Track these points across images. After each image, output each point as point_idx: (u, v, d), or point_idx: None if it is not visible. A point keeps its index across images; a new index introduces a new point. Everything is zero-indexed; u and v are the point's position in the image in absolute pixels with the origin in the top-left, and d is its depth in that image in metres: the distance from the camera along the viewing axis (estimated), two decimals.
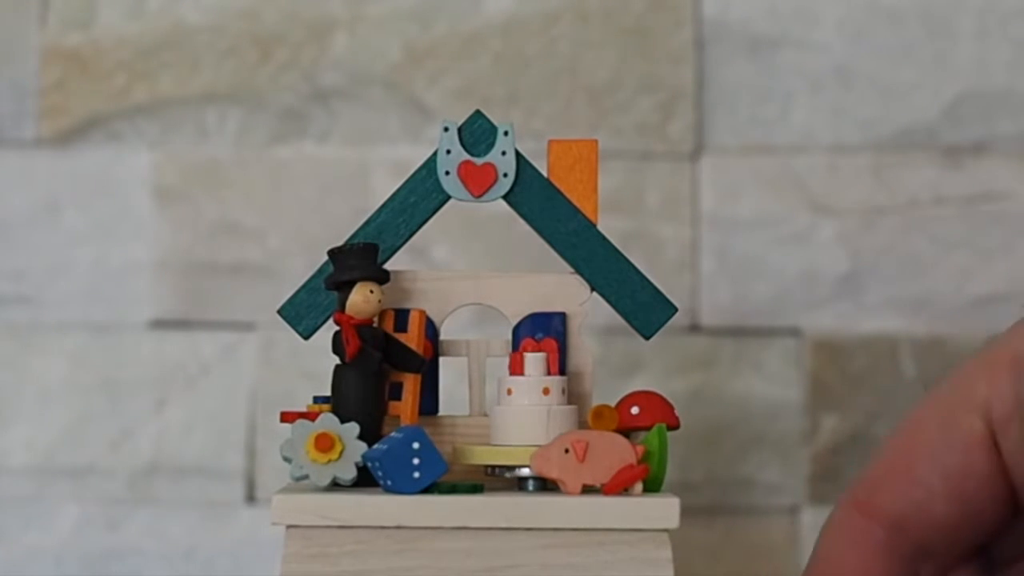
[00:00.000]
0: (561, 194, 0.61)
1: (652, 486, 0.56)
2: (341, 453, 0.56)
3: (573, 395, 0.60)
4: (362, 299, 0.58)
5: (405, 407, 0.59)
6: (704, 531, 0.82)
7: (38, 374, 0.83)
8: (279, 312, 0.61)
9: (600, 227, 0.61)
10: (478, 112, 0.61)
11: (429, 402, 0.60)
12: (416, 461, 0.55)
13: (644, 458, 0.56)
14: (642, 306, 0.61)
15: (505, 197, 0.61)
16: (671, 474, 0.58)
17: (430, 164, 0.61)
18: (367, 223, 0.61)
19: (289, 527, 0.54)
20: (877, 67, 0.83)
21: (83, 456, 0.83)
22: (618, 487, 0.55)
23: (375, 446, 0.56)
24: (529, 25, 0.84)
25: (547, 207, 0.61)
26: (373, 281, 0.58)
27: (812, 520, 0.81)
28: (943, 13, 0.83)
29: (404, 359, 0.59)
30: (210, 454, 0.83)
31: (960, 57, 0.83)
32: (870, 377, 0.82)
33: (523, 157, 0.61)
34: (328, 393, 0.59)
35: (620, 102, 0.83)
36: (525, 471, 0.57)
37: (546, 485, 0.57)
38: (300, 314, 0.61)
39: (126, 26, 0.84)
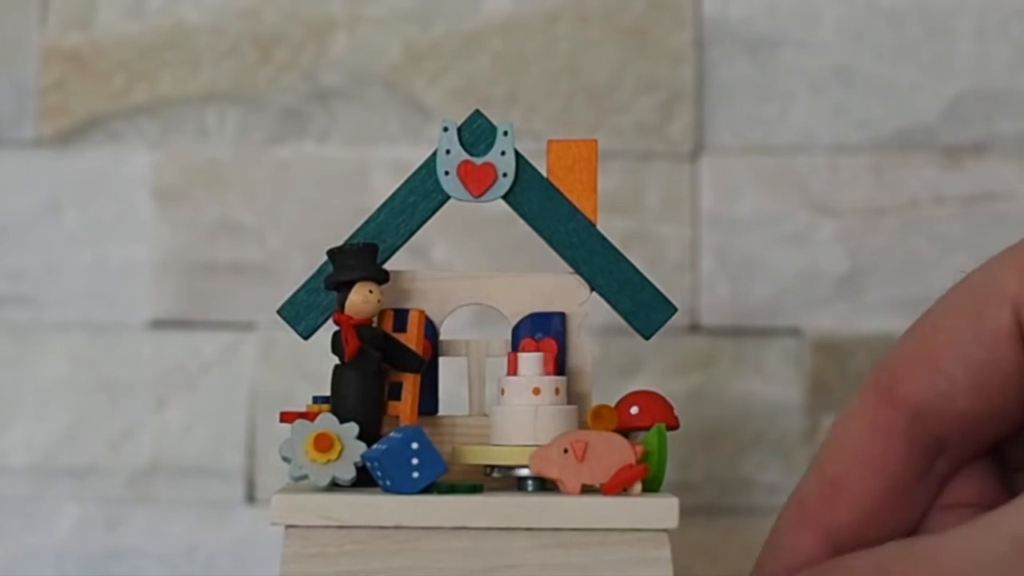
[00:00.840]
0: (561, 194, 0.61)
1: (651, 486, 0.56)
2: (340, 453, 0.56)
3: (573, 395, 0.60)
4: (361, 299, 0.58)
5: (404, 407, 0.59)
6: (704, 531, 0.82)
7: (38, 374, 0.83)
8: (279, 312, 0.61)
9: (600, 227, 0.61)
10: (478, 112, 0.61)
11: (429, 402, 0.60)
12: (415, 461, 0.55)
13: (643, 458, 0.56)
14: (642, 306, 0.61)
15: (505, 197, 0.61)
16: (671, 474, 0.58)
17: (430, 164, 0.61)
18: (367, 223, 0.61)
19: (288, 527, 0.54)
20: (877, 67, 0.83)
21: (83, 456, 0.83)
22: (617, 487, 0.55)
23: (374, 446, 0.56)
24: (529, 25, 0.84)
25: (547, 207, 0.61)
26: (372, 281, 0.58)
27: None
28: (943, 13, 0.83)
29: (403, 359, 0.59)
30: (210, 454, 0.83)
31: (960, 57, 0.83)
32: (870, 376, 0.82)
33: (523, 157, 0.61)
34: (327, 393, 0.59)
35: (620, 102, 0.83)
36: (524, 471, 0.57)
37: (545, 485, 0.57)
38: (300, 314, 0.61)
39: (126, 26, 0.84)
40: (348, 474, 0.56)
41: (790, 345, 0.83)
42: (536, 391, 0.58)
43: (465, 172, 0.60)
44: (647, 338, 0.61)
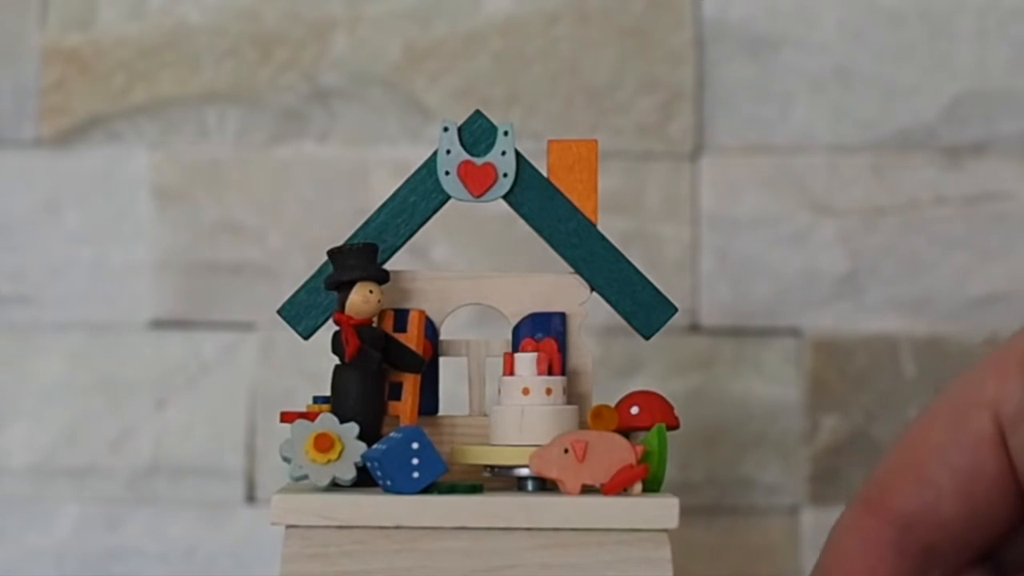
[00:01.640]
0: (561, 194, 0.61)
1: (651, 486, 0.56)
2: (340, 453, 0.56)
3: (573, 395, 0.60)
4: (361, 299, 0.58)
5: (405, 407, 0.59)
6: (704, 531, 0.82)
7: (38, 374, 0.83)
8: (279, 312, 0.61)
9: (600, 227, 0.61)
10: (478, 112, 0.61)
11: (429, 402, 0.60)
12: (415, 461, 0.55)
13: (643, 458, 0.56)
14: (642, 306, 0.61)
15: (505, 197, 0.61)
16: (671, 474, 0.58)
17: (430, 164, 0.61)
18: (367, 223, 0.61)
19: (288, 527, 0.54)
20: (877, 67, 0.83)
21: (83, 456, 0.83)
22: (617, 487, 0.55)
23: (374, 446, 0.56)
24: (529, 25, 0.84)
25: (547, 207, 0.61)
26: (373, 281, 0.58)
27: (812, 520, 0.82)
28: (943, 13, 0.83)
29: (403, 359, 0.59)
30: (210, 454, 0.83)
31: (960, 57, 0.83)
32: (870, 377, 0.82)
33: (523, 157, 0.61)
34: (328, 393, 0.59)
35: (620, 102, 0.83)
36: (524, 471, 0.57)
37: (545, 485, 0.57)
38: (300, 314, 0.61)
39: (126, 26, 0.84)
40: (348, 474, 0.56)
41: (790, 345, 0.83)
42: (526, 391, 0.58)
43: (465, 172, 0.60)
44: (647, 338, 0.61)
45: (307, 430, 0.56)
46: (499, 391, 0.58)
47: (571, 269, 0.61)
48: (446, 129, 0.61)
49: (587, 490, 0.56)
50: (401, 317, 0.60)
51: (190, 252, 0.83)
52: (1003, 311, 0.82)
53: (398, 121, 0.84)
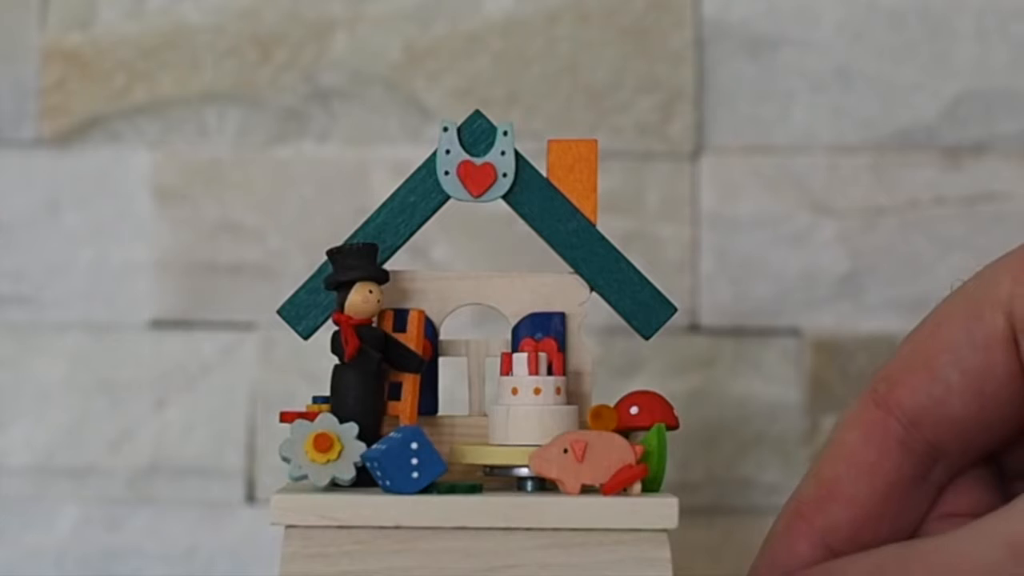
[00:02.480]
0: (561, 194, 0.61)
1: (651, 486, 0.56)
2: (340, 453, 0.56)
3: (573, 395, 0.60)
4: (361, 299, 0.58)
5: (404, 407, 0.59)
6: (704, 531, 0.82)
7: (38, 374, 0.83)
8: (279, 312, 0.61)
9: (600, 227, 0.61)
10: (478, 112, 0.61)
11: (428, 402, 0.60)
12: (415, 461, 0.55)
13: (643, 458, 0.56)
14: (642, 306, 0.61)
15: (505, 197, 0.61)
16: (671, 474, 0.58)
17: (430, 164, 0.61)
18: (367, 223, 0.61)
19: (288, 527, 0.54)
20: (877, 67, 0.83)
21: (83, 456, 0.83)
22: (617, 487, 0.55)
23: (374, 446, 0.56)
24: (529, 25, 0.84)
25: (547, 207, 0.61)
26: (372, 281, 0.58)
27: None
28: (943, 13, 0.83)
29: (403, 359, 0.59)
30: (210, 454, 0.83)
31: (960, 57, 0.83)
32: (870, 377, 0.82)
33: (523, 157, 0.61)
34: (327, 393, 0.59)
35: (620, 102, 0.83)
36: (524, 471, 0.57)
37: (545, 485, 0.57)
38: (300, 314, 0.61)
39: (126, 26, 0.84)
40: (348, 474, 0.56)
41: (790, 345, 0.83)
42: (515, 391, 0.58)
43: (465, 172, 0.60)
44: (647, 338, 0.61)
45: (307, 430, 0.56)
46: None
47: (571, 269, 0.61)
48: (446, 129, 0.61)
49: (587, 490, 0.56)
50: (401, 317, 0.60)
51: (190, 252, 0.83)
52: None
53: (398, 121, 0.84)
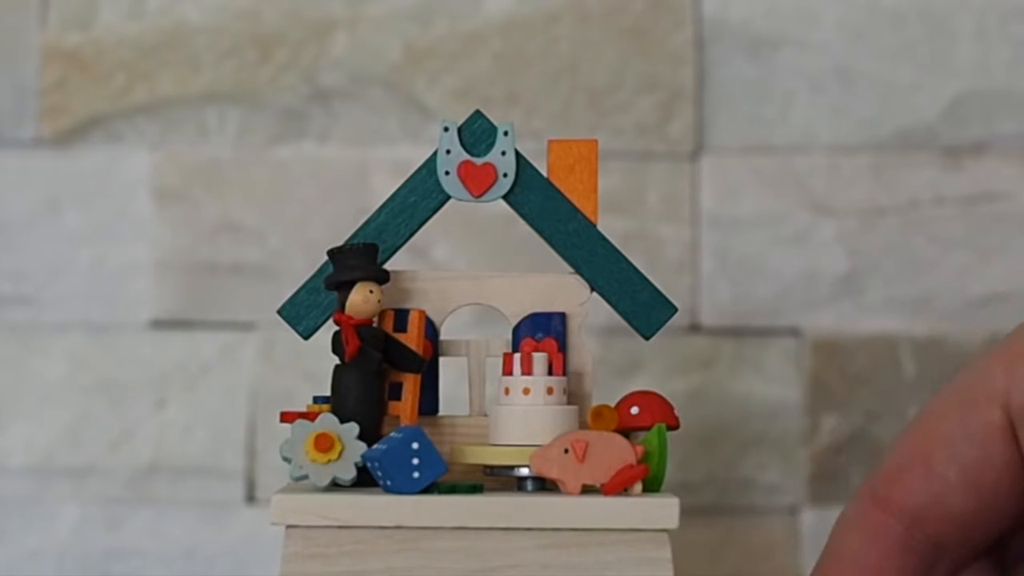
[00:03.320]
0: (561, 194, 0.61)
1: (652, 486, 0.56)
2: (340, 453, 0.56)
3: (573, 395, 0.60)
4: (362, 299, 0.58)
5: (405, 407, 0.59)
6: (704, 531, 0.82)
7: (38, 374, 0.83)
8: (279, 312, 0.61)
9: (600, 227, 0.61)
10: (478, 112, 0.61)
11: (429, 402, 0.60)
12: (415, 461, 0.55)
13: (644, 458, 0.56)
14: (642, 306, 0.61)
15: (505, 197, 0.61)
16: (671, 474, 0.58)
17: (430, 164, 0.61)
18: (367, 223, 0.61)
19: (288, 527, 0.54)
20: (877, 67, 0.83)
21: (83, 456, 0.83)
22: (618, 487, 0.55)
23: (374, 446, 0.56)
24: (529, 25, 0.84)
25: (547, 207, 0.61)
26: (373, 281, 0.58)
27: (812, 520, 0.82)
28: (943, 13, 0.83)
29: (404, 359, 0.59)
30: (210, 454, 0.83)
31: (960, 57, 0.83)
32: (870, 377, 0.82)
33: (523, 157, 0.61)
34: (328, 393, 0.59)
35: (620, 102, 0.83)
36: (524, 471, 0.57)
37: (545, 485, 0.57)
38: (300, 314, 0.61)
39: (126, 26, 0.84)
40: (348, 474, 0.56)
41: (790, 345, 0.83)
42: (507, 391, 0.58)
43: (465, 172, 0.60)
44: (647, 338, 0.61)
45: (307, 430, 0.56)
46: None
47: (571, 269, 0.61)
48: (446, 129, 0.61)
49: (587, 490, 0.56)
50: (401, 317, 0.60)
51: (190, 252, 0.83)
52: (1003, 311, 0.82)
53: (398, 121, 0.84)
